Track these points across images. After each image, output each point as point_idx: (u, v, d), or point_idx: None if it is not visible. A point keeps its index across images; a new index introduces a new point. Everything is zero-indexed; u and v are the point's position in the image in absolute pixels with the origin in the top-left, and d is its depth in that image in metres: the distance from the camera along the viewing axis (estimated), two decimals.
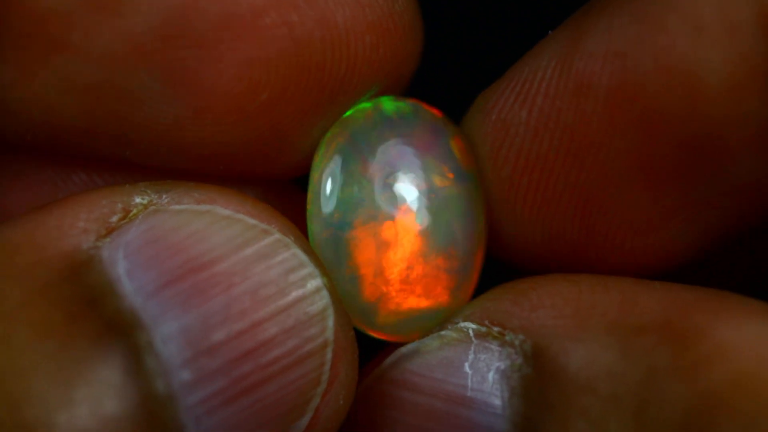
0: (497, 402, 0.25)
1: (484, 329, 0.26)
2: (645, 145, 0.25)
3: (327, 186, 0.26)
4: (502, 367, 0.25)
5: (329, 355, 0.24)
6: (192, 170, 0.27)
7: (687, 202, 0.26)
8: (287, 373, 0.24)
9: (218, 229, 0.24)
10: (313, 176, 0.27)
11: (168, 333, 0.23)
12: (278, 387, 0.24)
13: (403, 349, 0.26)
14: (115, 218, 0.24)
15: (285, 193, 0.29)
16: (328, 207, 0.26)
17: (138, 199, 0.25)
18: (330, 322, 0.24)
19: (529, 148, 0.26)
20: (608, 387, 0.24)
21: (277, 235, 0.24)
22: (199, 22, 0.25)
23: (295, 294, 0.24)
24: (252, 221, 0.24)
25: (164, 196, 0.25)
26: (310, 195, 0.27)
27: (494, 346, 0.26)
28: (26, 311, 0.23)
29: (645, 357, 0.24)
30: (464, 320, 0.26)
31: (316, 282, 0.24)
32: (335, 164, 0.27)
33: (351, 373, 0.25)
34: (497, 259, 0.28)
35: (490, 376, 0.25)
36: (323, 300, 0.24)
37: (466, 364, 0.26)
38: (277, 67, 0.26)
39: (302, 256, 0.24)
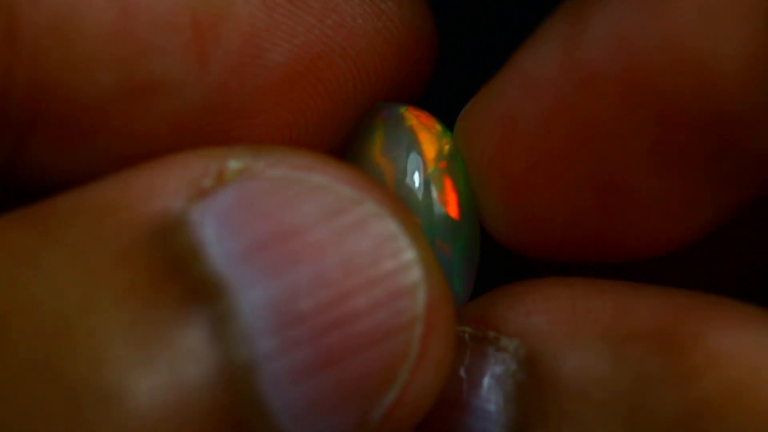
0: (492, 407, 0.25)
1: (480, 334, 0.26)
2: (660, 130, 0.25)
3: None
4: (497, 372, 0.25)
5: (419, 331, 0.24)
6: None
7: (705, 180, 0.25)
8: (374, 347, 0.23)
9: (312, 197, 0.24)
10: None
11: (255, 299, 0.23)
12: (365, 361, 0.23)
13: None
14: (208, 180, 0.24)
15: None
16: None
17: (233, 163, 0.24)
18: (421, 297, 0.24)
19: (542, 142, 0.26)
20: (600, 394, 0.24)
21: (372, 206, 0.24)
22: (238, 96, 0.25)
23: (386, 266, 0.24)
24: (347, 190, 0.24)
25: (260, 161, 0.24)
26: None
27: (490, 351, 0.25)
28: (112, 274, 0.23)
29: (637, 364, 0.23)
30: (461, 324, 0.26)
31: (409, 255, 0.24)
32: None
33: (445, 350, 0.24)
34: (518, 255, 0.28)
35: (485, 381, 0.25)
36: (415, 274, 0.24)
37: (462, 369, 0.26)
38: (315, 123, 0.26)
39: (396, 228, 0.24)
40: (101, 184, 0.24)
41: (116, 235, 0.23)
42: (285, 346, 0.23)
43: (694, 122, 0.24)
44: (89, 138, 0.25)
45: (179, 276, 0.23)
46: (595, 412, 0.24)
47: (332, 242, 0.23)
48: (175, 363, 0.22)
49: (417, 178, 0.27)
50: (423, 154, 0.27)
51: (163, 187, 0.24)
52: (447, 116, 0.28)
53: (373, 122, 0.27)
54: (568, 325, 0.25)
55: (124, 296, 0.22)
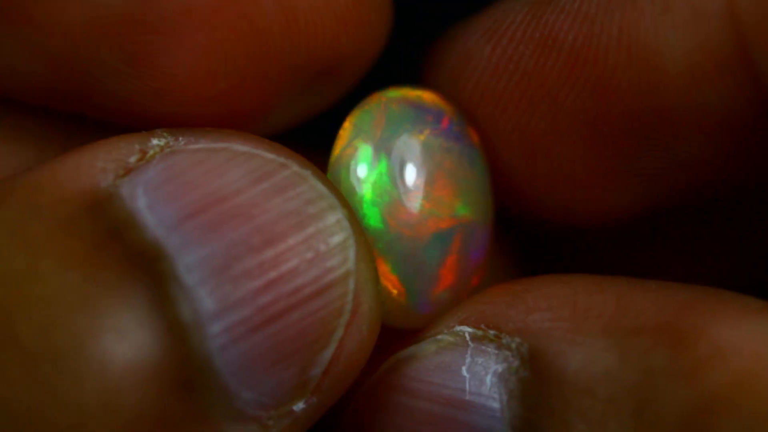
0: (496, 405, 0.25)
1: (480, 332, 0.26)
2: (596, 109, 0.26)
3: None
4: (500, 370, 0.25)
5: (351, 286, 0.24)
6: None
7: (629, 169, 0.27)
8: (310, 302, 0.24)
9: (236, 164, 0.24)
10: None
11: (191, 262, 0.23)
12: (301, 317, 0.24)
13: (400, 354, 0.26)
14: (132, 159, 0.25)
15: None
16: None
17: (155, 141, 0.25)
18: (351, 252, 0.25)
19: (487, 83, 0.27)
20: (607, 389, 0.24)
21: (296, 168, 0.25)
22: (160, 10, 0.25)
23: (315, 225, 0.24)
24: (270, 155, 0.25)
25: (180, 138, 0.25)
26: None
27: (491, 350, 0.25)
28: (52, 244, 0.23)
29: (643, 359, 0.24)
30: (459, 324, 0.26)
31: (336, 214, 0.25)
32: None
33: (374, 306, 0.25)
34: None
35: (488, 379, 0.25)
36: (344, 231, 0.25)
37: (464, 368, 0.26)
38: (234, 58, 0.26)
39: (321, 188, 0.25)
40: (28, 171, 0.25)
41: (51, 210, 0.23)
42: (225, 306, 0.23)
43: (629, 110, 0.26)
44: (11, 28, 0.25)
45: (117, 244, 0.23)
46: (602, 408, 0.24)
47: (261, 205, 0.24)
48: (122, 325, 0.23)
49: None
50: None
51: (90, 167, 0.24)
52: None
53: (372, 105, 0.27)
54: (571, 322, 0.25)
55: (68, 263, 0.23)
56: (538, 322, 0.25)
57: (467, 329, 0.26)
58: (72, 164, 0.24)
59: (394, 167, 0.27)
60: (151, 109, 0.26)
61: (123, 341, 0.22)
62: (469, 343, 0.26)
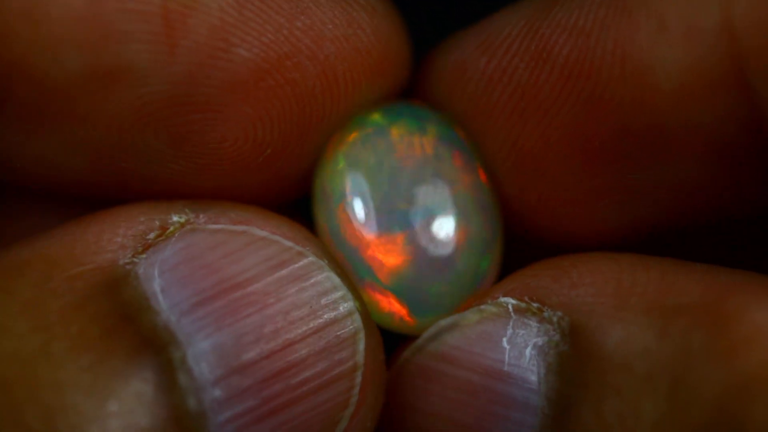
0: (533, 378, 0.25)
1: (523, 305, 0.26)
2: (588, 123, 0.26)
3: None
4: (540, 343, 0.25)
5: (358, 379, 0.25)
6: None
7: (620, 186, 0.26)
8: (317, 394, 0.24)
9: (254, 249, 0.25)
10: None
11: (201, 350, 0.23)
12: (307, 408, 0.24)
13: (442, 322, 0.27)
14: (152, 235, 0.25)
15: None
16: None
17: (176, 218, 0.25)
18: (361, 346, 0.25)
19: (480, 95, 0.27)
20: (643, 367, 0.24)
21: (312, 258, 0.25)
22: (204, 88, 0.25)
23: (326, 317, 0.25)
24: (288, 243, 0.25)
25: (201, 216, 0.25)
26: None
27: (533, 322, 0.26)
28: (64, 324, 0.23)
29: (682, 338, 0.23)
30: (504, 295, 0.26)
31: (348, 305, 0.25)
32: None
33: (378, 397, 0.26)
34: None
35: (528, 351, 0.25)
36: (355, 324, 0.25)
37: (504, 339, 0.26)
38: (280, 124, 0.26)
39: (335, 279, 0.25)
40: (49, 239, 0.25)
41: (67, 287, 0.24)
42: (231, 395, 0.23)
43: (621, 125, 0.25)
44: (55, 123, 0.25)
45: (129, 327, 0.23)
46: (637, 385, 0.24)
47: (275, 293, 0.24)
48: (127, 412, 0.23)
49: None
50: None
51: (110, 241, 0.24)
52: None
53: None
54: (614, 298, 0.25)
55: (78, 346, 0.23)
56: (581, 297, 0.25)
57: (511, 301, 0.26)
58: (92, 238, 0.24)
59: (390, 196, 0.27)
60: (193, 184, 0.26)
61: (128, 428, 0.23)
62: (512, 314, 0.26)
